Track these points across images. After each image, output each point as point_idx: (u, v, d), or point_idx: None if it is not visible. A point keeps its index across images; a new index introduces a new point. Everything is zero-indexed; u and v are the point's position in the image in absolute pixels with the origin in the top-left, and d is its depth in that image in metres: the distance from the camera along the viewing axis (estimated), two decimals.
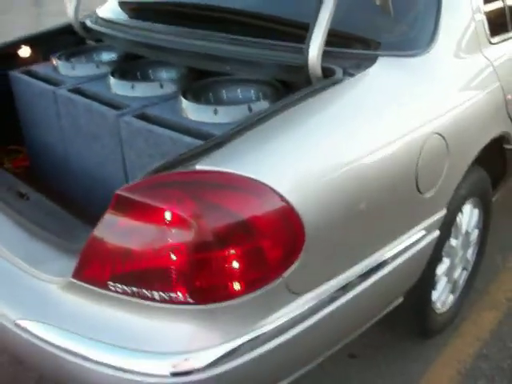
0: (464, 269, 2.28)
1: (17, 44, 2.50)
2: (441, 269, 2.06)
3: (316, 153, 1.49)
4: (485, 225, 2.32)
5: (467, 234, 2.18)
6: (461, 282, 2.28)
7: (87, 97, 2.02)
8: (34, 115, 2.28)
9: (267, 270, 1.37)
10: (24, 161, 2.44)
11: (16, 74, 2.31)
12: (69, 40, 2.52)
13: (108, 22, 2.41)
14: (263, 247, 1.35)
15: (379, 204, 1.59)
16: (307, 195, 1.41)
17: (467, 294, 2.35)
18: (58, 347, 1.43)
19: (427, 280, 1.95)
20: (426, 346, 2.22)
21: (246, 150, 1.44)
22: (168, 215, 1.30)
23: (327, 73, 1.70)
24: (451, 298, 2.24)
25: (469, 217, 2.16)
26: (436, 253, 1.91)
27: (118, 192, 1.34)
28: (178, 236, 1.31)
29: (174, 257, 1.31)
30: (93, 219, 1.50)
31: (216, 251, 1.32)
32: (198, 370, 1.34)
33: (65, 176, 2.21)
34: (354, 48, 1.85)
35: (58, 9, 7.36)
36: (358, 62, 1.76)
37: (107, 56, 2.40)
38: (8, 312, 1.52)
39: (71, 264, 1.46)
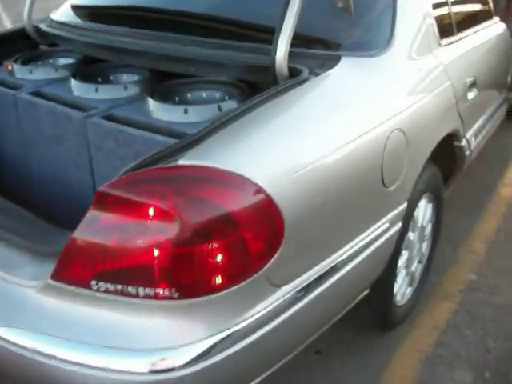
0: (419, 262, 2.37)
1: None
2: (401, 261, 2.13)
3: (289, 148, 1.53)
4: (437, 219, 2.43)
5: (422, 227, 2.27)
6: (417, 274, 2.37)
7: (49, 100, 1.98)
8: None
9: (249, 263, 1.39)
10: None
11: None
12: (22, 45, 2.46)
13: (64, 26, 2.38)
14: (246, 240, 1.38)
15: (350, 197, 1.65)
16: (283, 188, 1.45)
17: (423, 286, 2.45)
18: (33, 351, 1.40)
19: (391, 272, 2.03)
20: (387, 337, 2.30)
21: (224, 145, 1.46)
22: (151, 210, 1.31)
23: (294, 72, 1.75)
24: (409, 290, 2.33)
25: (424, 211, 2.25)
26: (398, 245, 1.99)
27: (101, 189, 1.34)
28: (162, 231, 1.31)
29: (158, 252, 1.31)
30: (58, 223, 1.48)
31: (200, 245, 1.33)
32: (183, 366, 1.34)
33: (26, 181, 2.15)
34: (318, 49, 1.92)
35: None
36: (322, 62, 1.82)
37: (64, 60, 2.35)
38: None
39: (45, 267, 1.44)
